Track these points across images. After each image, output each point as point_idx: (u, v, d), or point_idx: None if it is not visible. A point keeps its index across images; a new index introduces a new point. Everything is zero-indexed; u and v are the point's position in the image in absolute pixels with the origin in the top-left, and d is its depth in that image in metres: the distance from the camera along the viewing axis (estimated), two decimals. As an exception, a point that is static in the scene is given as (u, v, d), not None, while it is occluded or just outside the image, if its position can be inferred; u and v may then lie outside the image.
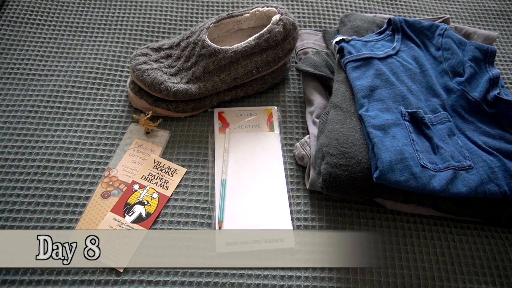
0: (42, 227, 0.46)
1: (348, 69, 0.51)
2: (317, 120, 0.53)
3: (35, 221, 0.46)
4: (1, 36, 0.62)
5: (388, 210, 0.49)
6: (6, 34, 0.63)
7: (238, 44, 0.54)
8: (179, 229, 0.47)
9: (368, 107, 0.47)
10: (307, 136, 0.53)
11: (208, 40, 0.54)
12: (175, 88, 0.52)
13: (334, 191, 0.44)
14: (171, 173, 0.51)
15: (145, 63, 0.55)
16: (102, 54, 0.62)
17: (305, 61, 0.59)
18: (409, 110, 0.48)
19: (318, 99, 0.56)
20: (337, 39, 0.54)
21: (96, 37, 0.64)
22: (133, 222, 0.47)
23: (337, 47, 0.54)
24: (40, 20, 0.65)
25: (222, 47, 0.54)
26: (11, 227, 0.45)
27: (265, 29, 0.54)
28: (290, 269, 0.45)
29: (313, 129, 0.53)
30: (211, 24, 0.57)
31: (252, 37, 0.55)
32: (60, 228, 0.46)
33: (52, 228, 0.46)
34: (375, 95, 0.49)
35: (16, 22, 0.64)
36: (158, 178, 0.50)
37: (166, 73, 0.55)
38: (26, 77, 0.58)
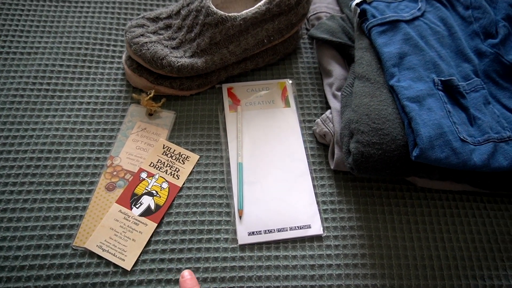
0: (43, 227, 0.41)
1: (373, 35, 0.46)
2: (338, 93, 0.49)
3: (33, 220, 0.41)
4: (-29, 10, 0.54)
5: (419, 188, 0.46)
6: (-23, 7, 0.55)
7: (247, 10, 0.48)
8: (195, 220, 0.42)
9: (399, 77, 0.43)
10: (329, 111, 0.48)
11: (213, 7, 0.48)
12: (179, 63, 0.47)
13: (366, 172, 0.40)
14: (182, 160, 0.46)
15: (142, 35, 0.48)
16: (90, 27, 0.55)
17: (319, 27, 0.53)
18: (442, 78, 0.44)
19: (337, 70, 0.50)
20: (358, 0, 0.48)
21: (82, 7, 0.57)
22: (141, 215, 0.42)
23: (358, 10, 0.48)
24: (15, -11, 0.57)
25: (230, 14, 0.47)
26: (7, 228, 0.40)
27: (276, -9, 0.48)
28: (320, 257, 0.41)
29: (334, 103, 0.48)
30: (214, -13, 0.50)
31: (262, 2, 0.48)
32: (63, 226, 0.41)
33: (54, 227, 0.41)
34: (405, 62, 0.44)
35: (-13, -8, 0.56)
36: (168, 165, 0.45)
37: (167, 46, 0.48)
38: (6, 56, 0.51)
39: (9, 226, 0.41)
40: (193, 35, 0.48)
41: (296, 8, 0.50)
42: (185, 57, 0.48)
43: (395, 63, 0.43)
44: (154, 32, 0.49)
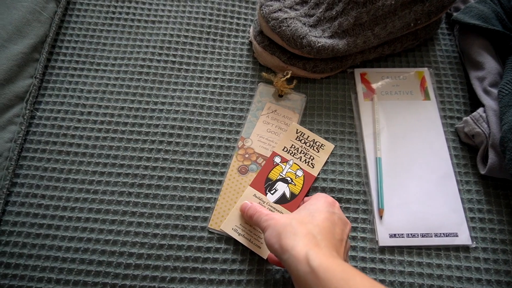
0: (179, 207, 0.40)
1: (553, 26, 0.40)
2: (492, 90, 0.43)
3: (169, 198, 0.40)
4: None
5: None
6: (99, -32, 0.53)
7: (398, -11, 0.43)
8: (331, 215, 0.40)
9: None
10: (481, 109, 0.43)
11: (363, -18, 0.43)
12: (319, 44, 0.43)
13: (539, 184, 0.36)
14: (316, 148, 0.43)
15: (280, 10, 0.45)
16: (213, -4, 0.52)
17: (468, 12, 0.47)
18: None
19: (489, 62, 0.45)
20: (531, -16, 0.42)
21: (204, -26, 0.53)
22: (276, 202, 0.40)
23: (531, -5, 0.42)
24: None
25: (381, -8, 0.43)
26: (145, 205, 0.40)
27: (432, -32, 0.43)
28: (467, 269, 0.38)
29: (488, 101, 0.43)
30: (360, -40, 0.45)
31: (415, -21, 0.43)
32: (198, 208, 0.40)
33: (189, 208, 0.40)
34: None
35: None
36: (302, 152, 0.43)
37: (305, 24, 0.45)
38: (131, 24, 0.50)
39: (146, 202, 0.40)
40: (334, 13, 0.44)
41: (451, -12, 0.44)
42: (324, 37, 0.44)
43: None
44: (290, 7, 0.46)
